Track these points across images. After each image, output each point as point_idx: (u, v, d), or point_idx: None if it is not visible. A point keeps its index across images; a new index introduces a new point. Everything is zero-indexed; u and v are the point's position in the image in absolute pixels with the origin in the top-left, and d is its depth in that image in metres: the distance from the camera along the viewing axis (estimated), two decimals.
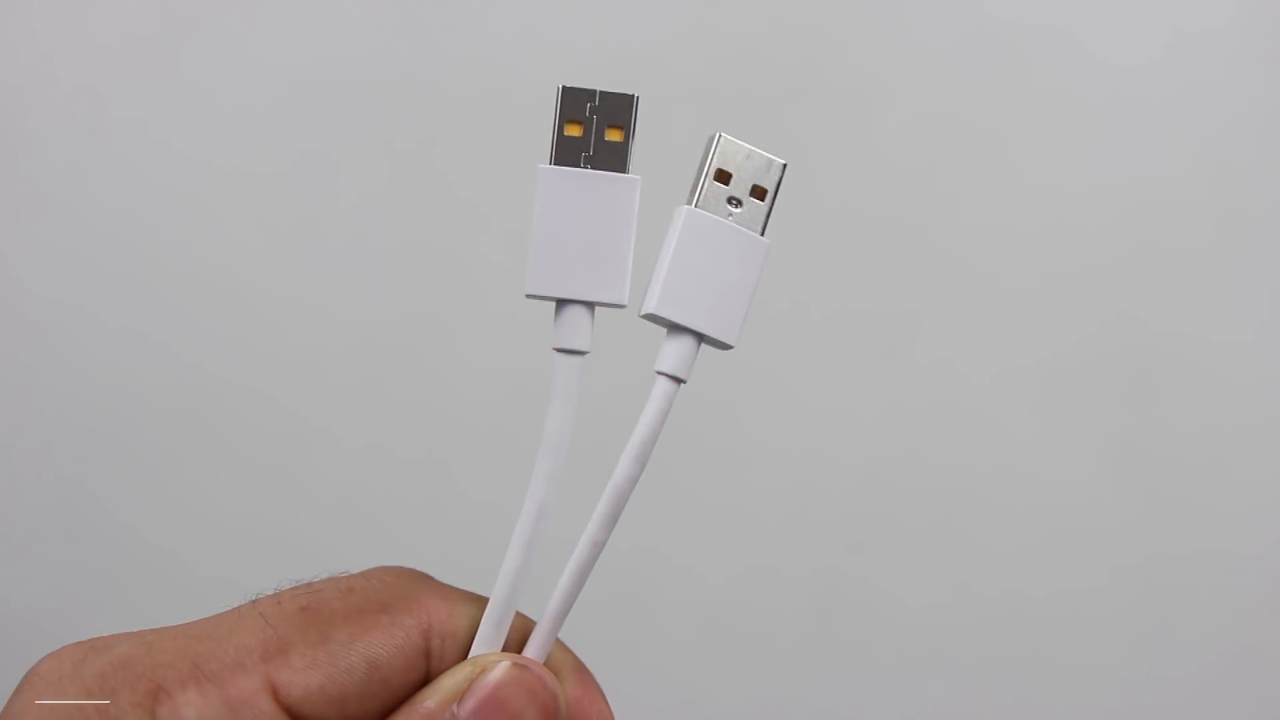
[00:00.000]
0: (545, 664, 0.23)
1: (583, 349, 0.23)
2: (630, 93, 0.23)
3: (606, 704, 0.23)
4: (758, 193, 0.23)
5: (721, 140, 0.23)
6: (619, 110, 0.23)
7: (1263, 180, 0.53)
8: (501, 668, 0.22)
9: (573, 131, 0.23)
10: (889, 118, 0.54)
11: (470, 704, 0.22)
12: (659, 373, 0.23)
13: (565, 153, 0.23)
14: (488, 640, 0.23)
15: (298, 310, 0.56)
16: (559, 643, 0.23)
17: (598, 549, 0.23)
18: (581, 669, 0.24)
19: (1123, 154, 0.54)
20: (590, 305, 0.23)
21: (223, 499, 0.57)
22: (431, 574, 0.24)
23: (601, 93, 0.23)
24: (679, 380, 0.23)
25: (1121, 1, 0.54)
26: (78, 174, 0.57)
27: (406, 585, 0.23)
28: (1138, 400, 0.54)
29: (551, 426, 0.23)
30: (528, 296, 0.23)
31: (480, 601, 0.23)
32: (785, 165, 0.23)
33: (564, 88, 0.23)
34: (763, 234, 0.23)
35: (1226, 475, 0.54)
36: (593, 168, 0.23)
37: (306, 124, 0.56)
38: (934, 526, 0.55)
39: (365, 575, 0.23)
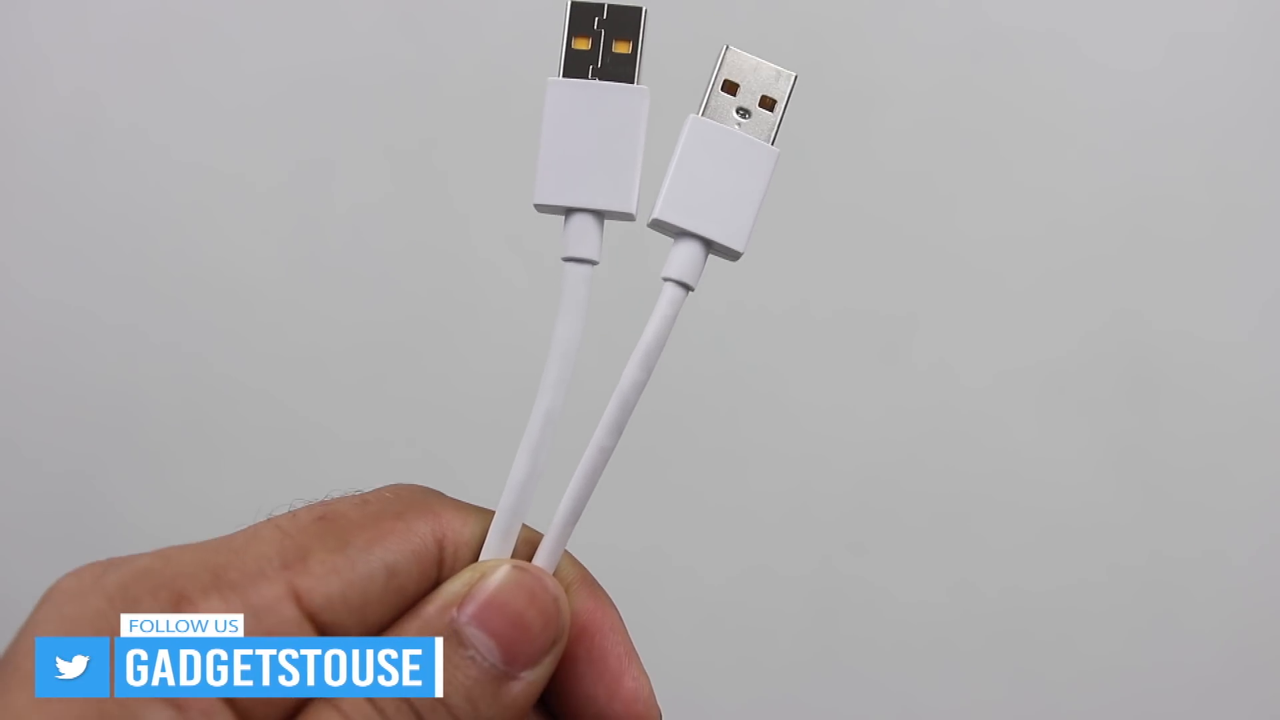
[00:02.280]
0: (554, 576, 0.23)
1: (591, 258, 0.23)
2: (638, 4, 0.23)
3: (618, 614, 0.23)
4: (767, 103, 0.23)
5: (729, 52, 0.23)
6: (627, 23, 0.23)
7: (1262, 182, 0.54)
8: (502, 572, 0.22)
9: (580, 45, 0.23)
10: (888, 120, 0.55)
11: (470, 609, 0.21)
12: (665, 279, 0.23)
13: (574, 66, 0.23)
14: (495, 549, 0.22)
15: (298, 311, 0.56)
16: (569, 556, 0.23)
17: (605, 455, 0.22)
18: (591, 581, 0.23)
19: (1121, 156, 0.54)
20: (599, 214, 0.23)
21: (225, 497, 0.57)
22: None
23: (610, 6, 0.23)
24: (686, 286, 0.23)
25: (1120, 5, 0.54)
26: (77, 177, 0.57)
27: (420, 497, 0.23)
28: (1137, 401, 0.54)
29: (560, 334, 0.23)
30: (535, 207, 0.23)
31: (492, 516, 0.23)
32: (796, 76, 0.23)
33: (573, 3, 0.23)
34: (773, 144, 0.23)
35: (1226, 475, 0.54)
36: (601, 79, 0.23)
37: (305, 127, 0.57)
38: (933, 527, 0.54)
39: (379, 490, 0.23)
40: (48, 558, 0.57)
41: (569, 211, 0.23)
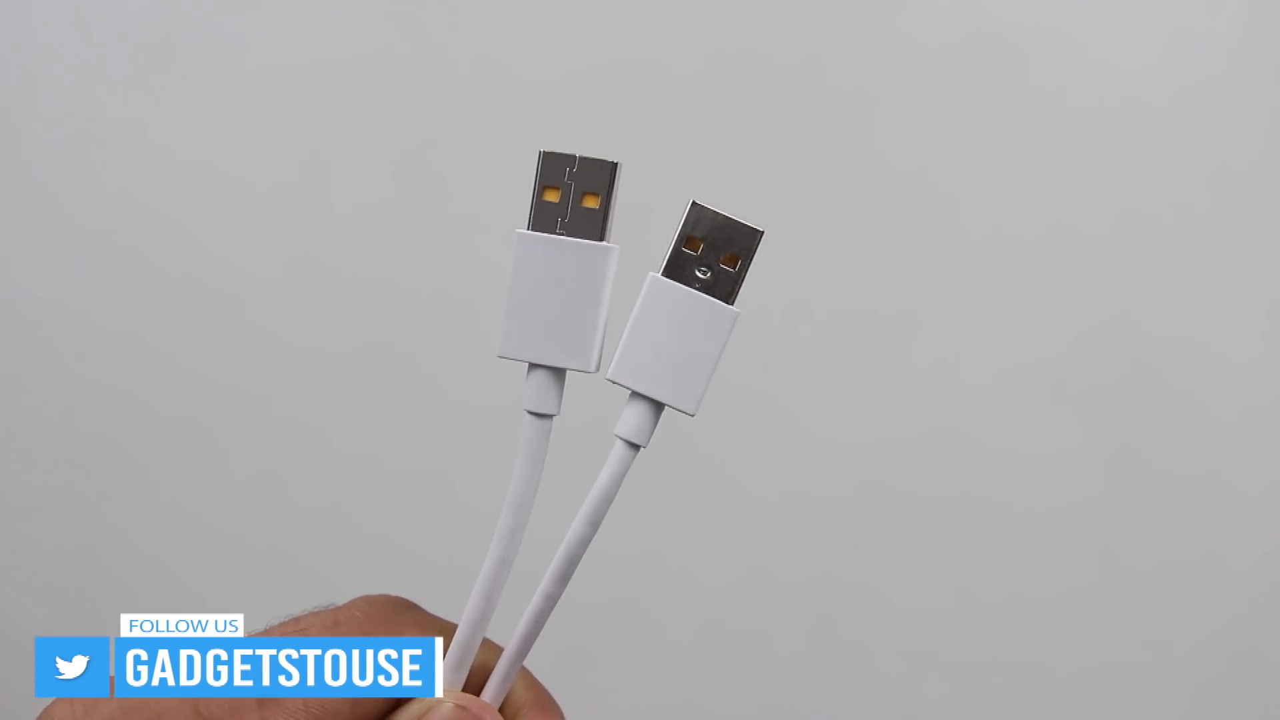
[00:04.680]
0: (507, 699, 0.24)
1: (550, 413, 0.23)
2: (610, 160, 0.23)
3: None
4: (730, 260, 0.23)
5: (693, 207, 0.23)
6: (597, 176, 0.23)
7: (1262, 183, 0.53)
8: (444, 710, 0.23)
9: (550, 197, 0.23)
10: (888, 119, 0.54)
11: None
12: (617, 436, 0.23)
13: (542, 219, 0.23)
14: (448, 681, 0.24)
15: (296, 314, 0.57)
16: (527, 676, 0.25)
17: (551, 602, 0.23)
18: (544, 703, 0.24)
19: (1121, 156, 0.53)
20: (559, 370, 0.23)
21: (220, 503, 0.57)
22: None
23: (581, 158, 0.23)
24: (636, 445, 0.23)
25: (1121, 3, 0.53)
26: (76, 176, 0.57)
27: (390, 617, 0.24)
28: (1136, 402, 0.54)
29: (516, 485, 0.23)
30: (500, 357, 0.24)
31: (454, 630, 0.24)
32: (761, 234, 0.23)
33: (544, 153, 0.23)
34: (732, 302, 0.23)
35: (1225, 478, 0.53)
36: (568, 234, 0.23)
37: (304, 127, 0.56)
38: (933, 529, 0.55)
39: (350, 606, 0.24)
40: (45, 559, 0.58)
41: (532, 365, 0.23)
